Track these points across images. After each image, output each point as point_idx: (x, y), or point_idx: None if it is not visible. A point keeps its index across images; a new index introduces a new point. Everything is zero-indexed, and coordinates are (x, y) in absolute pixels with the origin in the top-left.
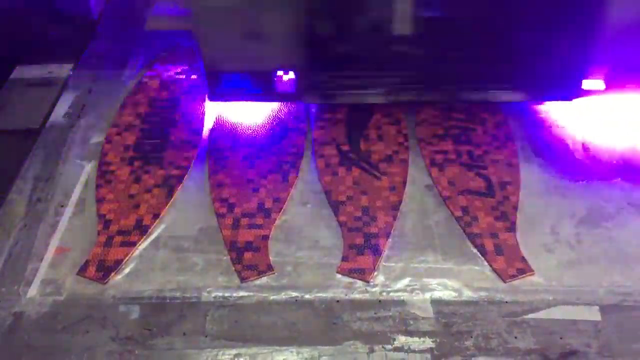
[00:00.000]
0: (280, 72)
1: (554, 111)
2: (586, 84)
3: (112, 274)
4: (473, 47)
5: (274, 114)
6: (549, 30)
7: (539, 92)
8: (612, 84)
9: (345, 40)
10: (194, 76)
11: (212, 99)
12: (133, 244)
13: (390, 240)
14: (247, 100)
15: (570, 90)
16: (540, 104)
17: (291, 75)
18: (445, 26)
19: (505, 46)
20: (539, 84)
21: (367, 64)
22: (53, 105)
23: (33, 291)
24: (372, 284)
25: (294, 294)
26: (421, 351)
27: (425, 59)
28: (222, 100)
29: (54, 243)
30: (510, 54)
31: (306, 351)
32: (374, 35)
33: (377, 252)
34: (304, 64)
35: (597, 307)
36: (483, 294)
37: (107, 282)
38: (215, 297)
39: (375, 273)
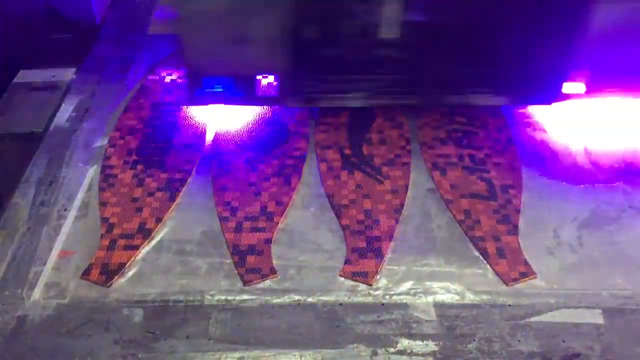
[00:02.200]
0: (261, 76)
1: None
2: (567, 88)
3: (116, 277)
4: (455, 51)
5: (277, 118)
6: (529, 35)
7: (519, 95)
8: (593, 87)
9: (329, 44)
10: None
11: (192, 102)
12: (136, 248)
13: (392, 243)
14: (228, 103)
15: (550, 94)
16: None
17: (273, 78)
18: (427, 31)
19: (486, 50)
20: (519, 87)
21: (349, 67)
22: (56, 109)
23: (36, 294)
24: (374, 287)
25: (297, 297)
26: (424, 354)
27: (407, 63)
28: (202, 104)
29: (58, 246)
30: (491, 58)
31: (309, 354)
32: (357, 40)
33: (379, 255)
34: (286, 67)
35: (599, 310)
36: (485, 297)
37: (110, 285)
38: (218, 301)
39: (378, 276)
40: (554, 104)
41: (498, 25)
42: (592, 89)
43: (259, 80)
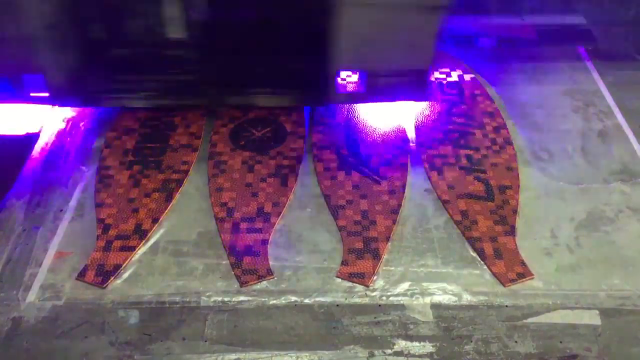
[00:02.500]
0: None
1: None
2: (342, 89)
3: (111, 278)
4: (237, 52)
5: (273, 118)
6: (300, 37)
7: (297, 96)
8: (370, 91)
9: (110, 44)
10: None
11: None
12: (132, 249)
13: (389, 244)
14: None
15: (324, 95)
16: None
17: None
18: (210, 32)
19: (266, 52)
20: (297, 88)
21: (128, 67)
22: (52, 110)
23: (32, 296)
24: (371, 288)
25: (294, 298)
26: (421, 356)
27: (192, 63)
28: None
29: (53, 248)
30: (269, 59)
31: (306, 356)
32: (135, 39)
33: (376, 256)
34: (58, 67)
35: (596, 311)
36: (483, 298)
37: (106, 286)
38: (214, 302)
39: (375, 277)
40: (331, 105)
41: (275, 27)
42: (368, 91)
43: (32, 79)
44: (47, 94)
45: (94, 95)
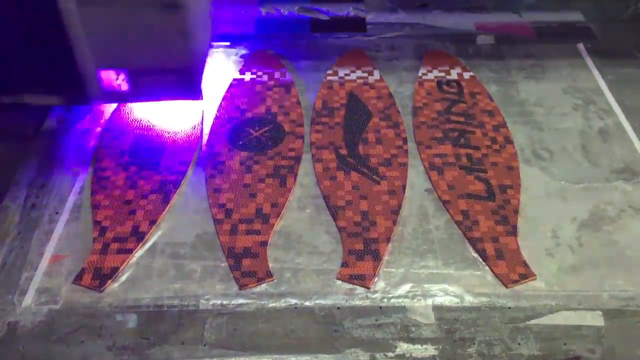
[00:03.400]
0: None
1: None
2: (109, 88)
3: (109, 282)
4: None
5: (271, 118)
6: (50, 38)
7: (67, 95)
8: (136, 90)
9: None
10: None
11: None
12: (129, 251)
13: (390, 245)
14: None
15: (88, 95)
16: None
17: None
18: None
19: (35, 49)
20: (65, 87)
21: None
22: (47, 110)
23: (28, 300)
24: (372, 290)
25: (294, 301)
26: (423, 358)
27: None
28: None
29: (49, 251)
30: (39, 57)
31: (306, 359)
32: None
33: (377, 257)
34: None
35: (599, 312)
36: (485, 299)
37: (103, 290)
38: (213, 305)
39: (376, 279)
40: (97, 104)
41: (39, 24)
42: (134, 90)
43: None
44: None
45: None
